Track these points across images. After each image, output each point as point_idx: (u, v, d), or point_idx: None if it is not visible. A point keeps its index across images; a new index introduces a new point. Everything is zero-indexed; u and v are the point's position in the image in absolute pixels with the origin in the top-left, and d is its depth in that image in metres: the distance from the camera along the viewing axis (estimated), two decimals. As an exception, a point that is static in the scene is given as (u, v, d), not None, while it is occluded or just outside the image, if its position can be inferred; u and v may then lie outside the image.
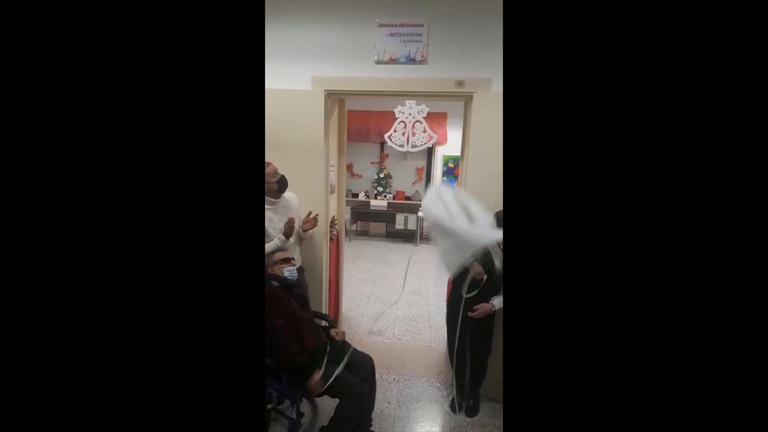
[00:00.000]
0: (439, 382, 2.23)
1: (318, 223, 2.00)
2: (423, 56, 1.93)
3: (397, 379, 2.24)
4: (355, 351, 1.75)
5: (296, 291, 1.74)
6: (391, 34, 1.93)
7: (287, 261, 1.72)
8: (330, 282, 2.42)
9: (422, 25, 1.90)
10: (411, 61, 1.94)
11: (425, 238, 6.01)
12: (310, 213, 1.97)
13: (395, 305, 3.32)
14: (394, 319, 3.06)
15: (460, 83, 1.91)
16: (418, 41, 1.92)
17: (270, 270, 1.69)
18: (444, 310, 2.74)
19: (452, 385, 2.01)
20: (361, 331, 2.82)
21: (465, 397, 1.99)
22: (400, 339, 2.75)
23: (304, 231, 1.94)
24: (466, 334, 1.88)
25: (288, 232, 1.84)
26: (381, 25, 1.92)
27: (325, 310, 2.32)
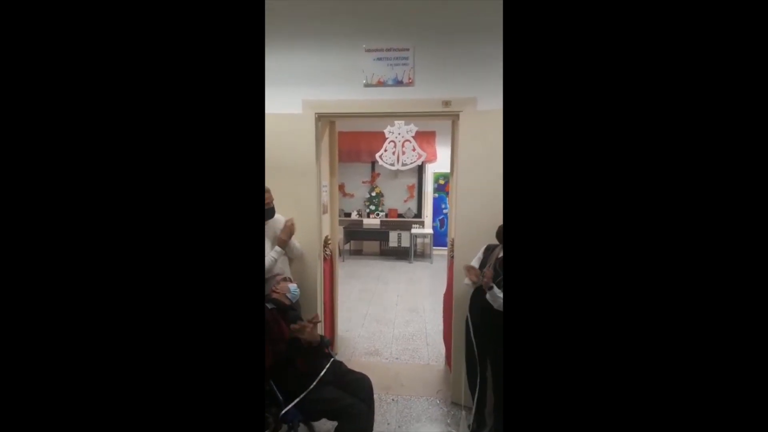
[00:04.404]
0: (439, 400, 2.19)
1: (296, 230, 1.98)
2: (410, 79, 2.00)
3: (396, 399, 2.20)
4: (351, 372, 1.73)
5: (292, 313, 1.73)
6: (379, 59, 2.00)
7: (286, 280, 1.73)
8: (325, 303, 2.41)
9: (408, 49, 1.98)
10: (398, 83, 2.01)
11: (419, 255, 6.01)
12: (286, 222, 1.95)
13: (391, 324, 3.30)
14: (391, 339, 3.02)
15: (446, 103, 1.98)
16: (405, 64, 1.99)
17: (273, 289, 1.69)
18: (440, 327, 2.73)
19: (471, 408, 1.95)
20: (359, 352, 2.79)
21: (483, 424, 1.93)
22: (397, 358, 2.71)
23: (283, 241, 1.94)
24: (486, 358, 1.84)
25: (282, 242, 1.86)
26: (368, 50, 2.00)
27: (320, 331, 2.30)
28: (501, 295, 1.64)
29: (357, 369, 1.78)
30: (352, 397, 1.57)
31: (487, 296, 1.68)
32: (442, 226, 6.16)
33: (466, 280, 1.78)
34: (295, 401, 1.50)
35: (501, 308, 1.64)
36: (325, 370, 1.61)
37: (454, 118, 2.06)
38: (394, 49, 1.98)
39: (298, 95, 2.06)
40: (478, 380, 1.87)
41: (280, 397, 1.51)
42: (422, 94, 2.00)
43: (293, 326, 1.56)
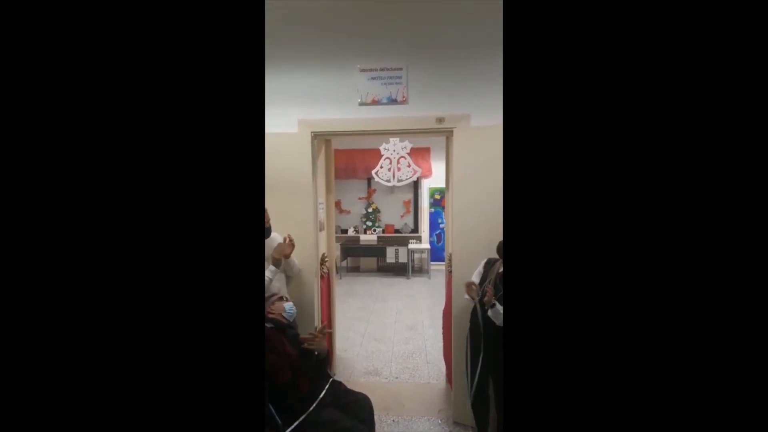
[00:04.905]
0: (441, 420, 2.14)
1: (295, 246, 1.97)
2: (404, 97, 2.03)
3: (396, 420, 2.15)
4: (351, 392, 1.70)
5: (290, 332, 1.71)
6: (373, 78, 2.04)
7: (281, 299, 1.72)
8: (322, 322, 2.37)
9: (401, 69, 2.02)
10: (393, 101, 2.04)
11: (417, 270, 5.98)
12: (285, 239, 1.94)
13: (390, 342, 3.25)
14: (390, 357, 2.97)
15: (440, 120, 2.01)
16: (399, 83, 2.03)
17: (268, 310, 1.67)
18: (440, 344, 2.69)
19: (473, 429, 1.91)
20: (357, 372, 2.73)
21: None
22: (397, 377, 2.66)
23: (286, 257, 1.93)
24: (487, 375, 1.80)
25: (276, 261, 1.85)
26: (363, 70, 2.04)
27: (318, 351, 2.26)
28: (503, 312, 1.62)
29: (356, 389, 1.74)
30: (352, 419, 1.53)
31: (489, 313, 1.66)
32: (439, 240, 6.16)
33: (466, 296, 1.77)
34: (294, 425, 1.46)
35: (502, 325, 1.62)
36: (324, 392, 1.58)
37: (448, 134, 2.09)
38: (388, 69, 2.03)
39: (294, 115, 2.09)
40: (480, 398, 1.84)
41: (279, 420, 1.47)
42: (416, 112, 2.03)
43: (303, 337, 1.56)
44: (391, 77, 2.03)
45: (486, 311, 1.67)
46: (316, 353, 1.61)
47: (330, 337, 2.65)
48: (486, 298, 1.64)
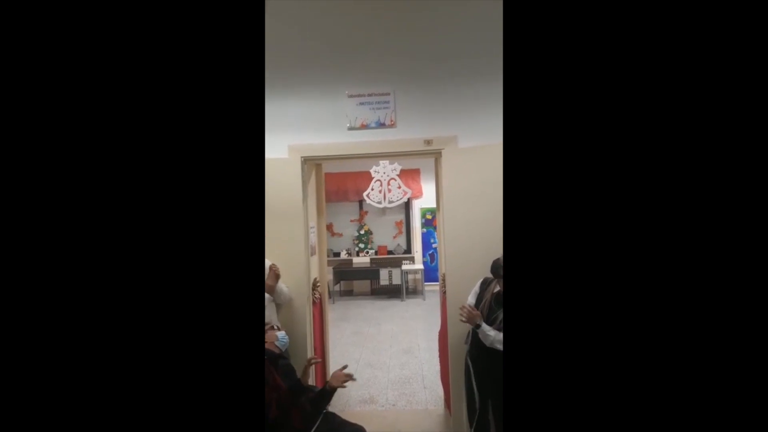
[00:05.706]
0: (440, 450, 2.06)
1: (280, 274, 1.96)
2: (392, 120, 2.07)
3: (394, 451, 2.07)
4: (346, 424, 1.63)
5: (282, 362, 1.65)
6: (361, 103, 2.08)
7: (273, 328, 1.68)
8: (315, 349, 2.31)
9: (389, 93, 2.07)
10: (381, 125, 2.08)
11: (411, 292, 5.91)
12: (271, 268, 1.92)
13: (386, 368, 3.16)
14: (386, 383, 2.89)
15: (428, 142, 2.05)
16: (386, 107, 2.07)
17: None
18: (437, 367, 2.63)
19: None
20: (353, 401, 2.64)
21: None
22: (394, 405, 2.58)
23: (270, 287, 1.91)
24: (487, 399, 1.75)
25: (270, 287, 1.82)
26: (351, 96, 2.08)
27: (312, 380, 2.18)
28: (491, 333, 1.62)
29: (351, 420, 1.68)
30: (348, 452, 1.47)
31: (479, 333, 1.64)
32: (432, 260, 6.13)
33: (462, 318, 1.75)
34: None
35: (492, 346, 1.61)
36: (317, 425, 1.51)
37: (437, 155, 2.12)
38: (376, 94, 2.07)
39: (284, 141, 2.11)
40: (481, 423, 1.78)
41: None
42: (404, 135, 2.07)
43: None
44: (378, 102, 2.07)
45: None
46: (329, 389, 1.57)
47: (323, 366, 2.57)
48: (466, 318, 1.64)
